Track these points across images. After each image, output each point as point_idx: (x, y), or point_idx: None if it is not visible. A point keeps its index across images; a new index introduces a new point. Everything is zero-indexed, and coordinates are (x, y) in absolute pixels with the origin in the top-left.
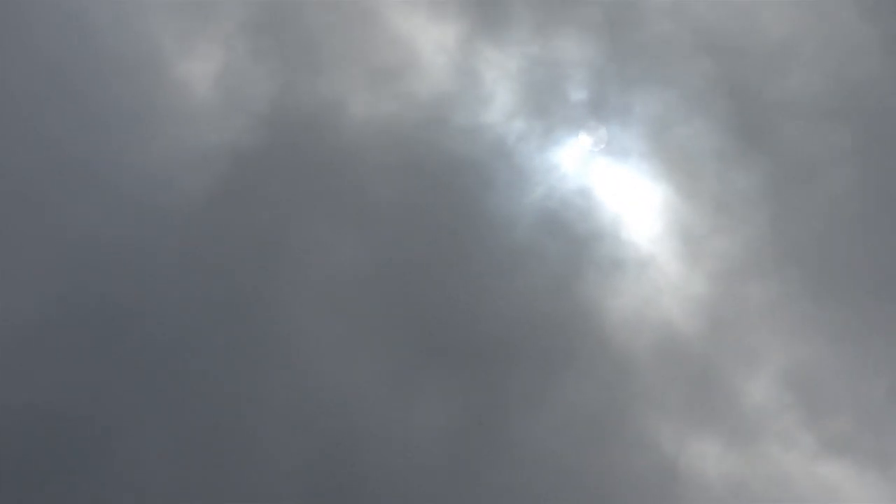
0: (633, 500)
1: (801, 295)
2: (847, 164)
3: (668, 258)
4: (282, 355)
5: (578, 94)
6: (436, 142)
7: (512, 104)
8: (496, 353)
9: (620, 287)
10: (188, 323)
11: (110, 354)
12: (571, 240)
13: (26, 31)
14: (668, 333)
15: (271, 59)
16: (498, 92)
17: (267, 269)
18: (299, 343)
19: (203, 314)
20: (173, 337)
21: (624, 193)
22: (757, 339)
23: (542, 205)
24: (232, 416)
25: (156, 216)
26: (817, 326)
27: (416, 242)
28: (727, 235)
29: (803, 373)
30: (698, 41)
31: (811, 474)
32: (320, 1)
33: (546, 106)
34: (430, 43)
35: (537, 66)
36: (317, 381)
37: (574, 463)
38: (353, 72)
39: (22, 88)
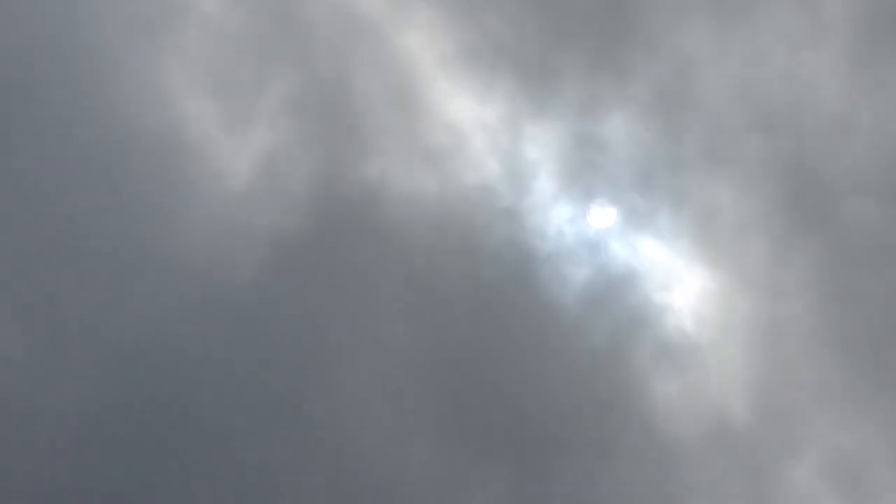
0: None
1: (854, 382)
2: None
3: (717, 343)
4: (328, 441)
5: (627, 175)
6: (481, 224)
7: (558, 184)
8: (543, 439)
9: (669, 372)
10: (235, 410)
11: (158, 441)
12: (619, 323)
13: (66, 114)
14: (718, 420)
15: (315, 141)
16: (543, 172)
17: (312, 353)
18: (346, 428)
19: (249, 400)
20: (221, 424)
21: (673, 276)
22: (807, 426)
23: (589, 287)
24: (280, 502)
25: (201, 303)
26: (869, 414)
27: (460, 326)
28: (779, 320)
29: (853, 460)
30: (752, 118)
31: None
32: (364, 81)
33: (593, 186)
34: (476, 123)
35: (584, 146)
36: (364, 465)
37: None
38: (397, 153)
39: (63, 174)
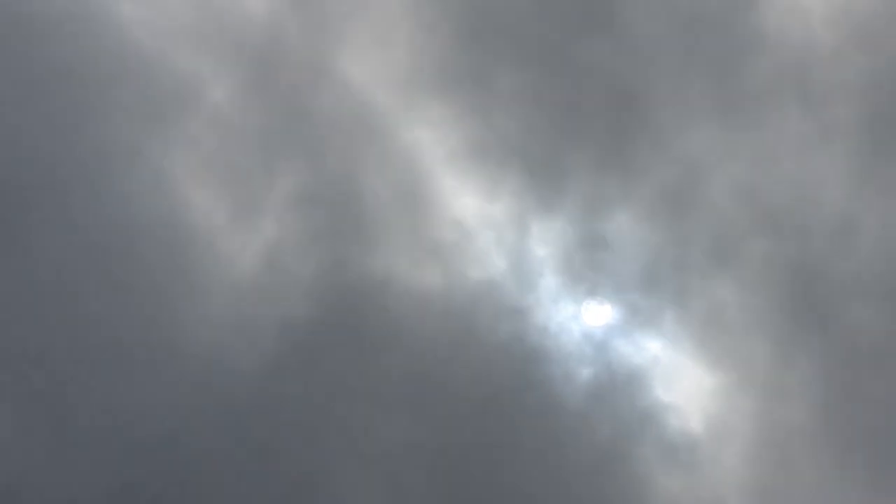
0: None
1: (855, 485)
2: None
3: (720, 442)
4: None
5: (632, 273)
6: (486, 320)
7: (563, 282)
8: None
9: (672, 470)
10: (239, 500)
11: None
12: (622, 421)
13: (75, 203)
14: None
15: (322, 233)
16: (549, 269)
17: (317, 445)
18: None
19: (254, 490)
20: None
21: (677, 374)
22: None
23: (594, 385)
24: None
25: (206, 393)
26: None
27: (464, 421)
28: (781, 420)
29: None
30: (757, 219)
31: None
32: (372, 175)
33: (598, 284)
34: (482, 219)
35: (590, 244)
36: None
37: None
38: (403, 247)
39: (70, 263)
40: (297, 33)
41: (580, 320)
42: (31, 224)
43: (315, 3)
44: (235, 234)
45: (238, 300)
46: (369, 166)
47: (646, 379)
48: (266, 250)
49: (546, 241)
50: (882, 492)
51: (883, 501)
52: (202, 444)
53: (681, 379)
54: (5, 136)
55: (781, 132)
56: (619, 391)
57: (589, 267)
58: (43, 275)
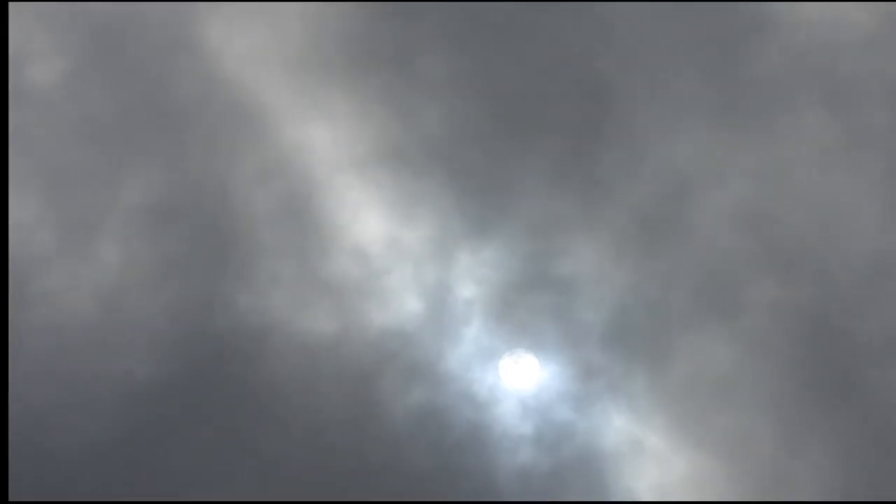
0: None
1: None
2: None
3: None
4: None
5: (593, 324)
6: (393, 383)
7: (497, 334)
8: None
9: None
10: None
11: None
12: None
13: None
14: None
15: (177, 262)
16: (479, 317)
17: None
18: None
19: None
20: None
21: (649, 459)
22: None
23: (536, 472)
24: None
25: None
26: None
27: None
28: None
29: None
30: (761, 256)
31: None
32: (247, 184)
33: (545, 339)
34: (392, 247)
35: (536, 282)
36: None
37: None
38: (286, 282)
39: None
40: None
41: (519, 385)
42: None
43: None
44: (64, 262)
45: (69, 352)
46: (244, 173)
47: (607, 466)
48: (105, 285)
49: (477, 278)
50: None
51: None
52: None
53: (654, 465)
54: None
55: (796, 139)
56: (569, 483)
57: (533, 313)
58: None
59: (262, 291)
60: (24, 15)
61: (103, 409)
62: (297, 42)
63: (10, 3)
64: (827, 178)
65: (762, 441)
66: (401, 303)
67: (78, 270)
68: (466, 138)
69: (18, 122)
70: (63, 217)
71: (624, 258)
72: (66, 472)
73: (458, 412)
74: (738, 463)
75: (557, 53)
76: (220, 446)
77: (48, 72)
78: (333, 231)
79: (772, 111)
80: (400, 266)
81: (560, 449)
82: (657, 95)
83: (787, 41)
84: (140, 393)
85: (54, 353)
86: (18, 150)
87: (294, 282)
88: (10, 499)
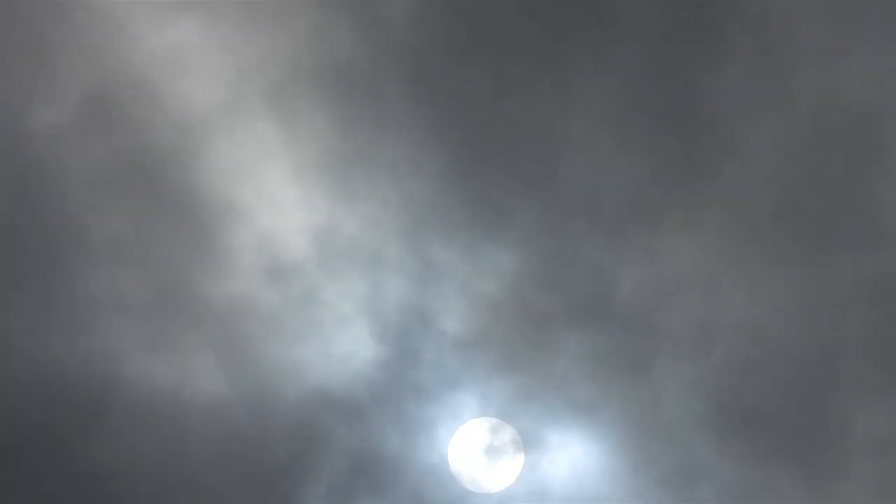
0: None
1: None
2: None
3: None
4: None
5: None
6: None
7: (449, 410)
8: None
9: None
10: None
11: None
12: None
13: None
14: None
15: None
16: (428, 383)
17: None
18: None
19: None
20: None
21: None
22: None
23: None
24: None
25: None
26: None
27: None
28: None
29: None
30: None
31: None
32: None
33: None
34: (312, 266)
35: (461, 312)
36: None
37: None
38: (147, 322)
39: None
40: None
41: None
42: None
43: None
44: None
45: None
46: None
47: None
48: None
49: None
50: None
51: None
52: None
53: None
54: None
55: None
56: None
57: (447, 355)
58: None
59: (108, 335)
60: None
61: None
62: None
63: None
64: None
65: None
66: (311, 367)
67: None
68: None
69: None
70: None
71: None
72: None
73: None
74: None
75: None
76: None
77: None
78: (219, 243)
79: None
80: (320, 293)
81: None
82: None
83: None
84: None
85: None
86: None
87: (156, 323)
88: None
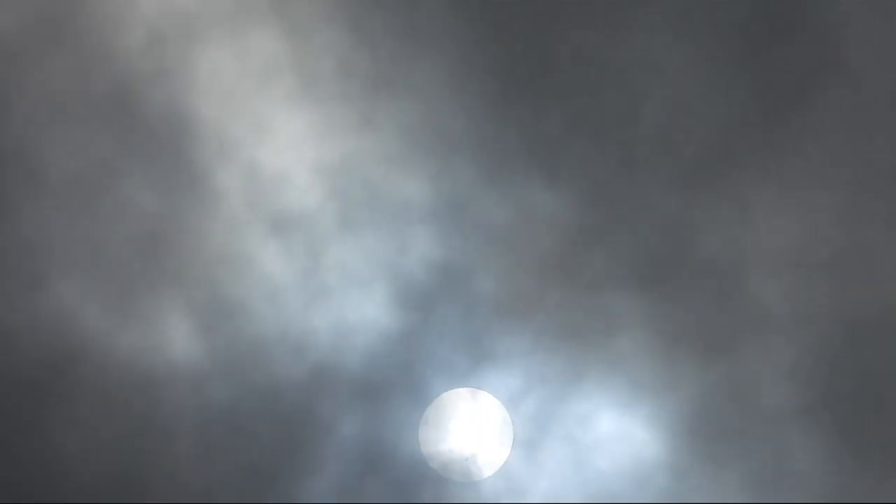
0: None
1: None
2: None
3: None
4: None
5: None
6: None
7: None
8: None
9: None
10: None
11: None
12: None
13: None
14: None
15: None
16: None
17: None
18: None
19: None
20: None
21: None
22: None
23: None
24: None
25: None
26: None
27: None
28: None
29: None
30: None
31: None
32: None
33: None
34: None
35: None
36: None
37: None
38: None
39: None
40: None
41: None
42: None
43: None
44: None
45: None
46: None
47: None
48: None
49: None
50: None
51: None
52: None
53: None
54: None
55: None
56: None
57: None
58: None
59: (59, 288)
60: None
61: None
62: None
63: None
64: None
65: None
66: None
67: None
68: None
69: None
70: None
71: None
72: None
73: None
74: None
75: None
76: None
77: None
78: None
79: None
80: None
81: None
82: None
83: None
84: None
85: None
86: None
87: (122, 272)
88: None
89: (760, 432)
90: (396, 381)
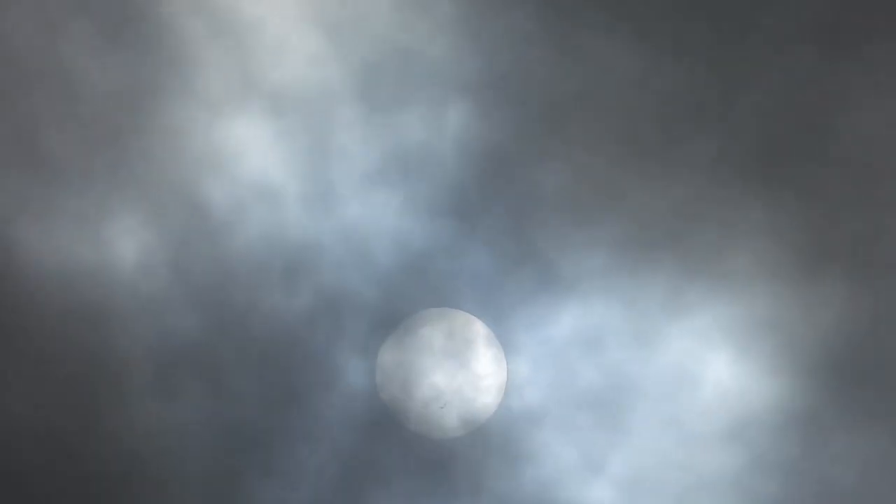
0: None
1: None
2: None
3: None
4: None
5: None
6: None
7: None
8: None
9: None
10: None
11: None
12: None
13: None
14: None
15: None
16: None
17: None
18: None
19: None
20: None
21: None
22: None
23: None
24: None
25: None
26: None
27: None
28: None
29: None
30: None
31: None
32: None
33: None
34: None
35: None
36: None
37: None
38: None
39: None
40: None
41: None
42: None
43: None
44: None
45: None
46: None
47: None
48: None
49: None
50: None
51: None
52: None
53: None
54: None
55: None
56: None
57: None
58: None
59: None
60: None
61: None
62: None
63: None
64: None
65: None
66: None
67: None
68: None
69: None
70: None
71: None
72: None
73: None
74: None
75: None
76: None
77: None
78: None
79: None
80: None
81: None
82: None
83: None
84: None
85: None
86: None
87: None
88: None
89: None
90: (424, 313)
